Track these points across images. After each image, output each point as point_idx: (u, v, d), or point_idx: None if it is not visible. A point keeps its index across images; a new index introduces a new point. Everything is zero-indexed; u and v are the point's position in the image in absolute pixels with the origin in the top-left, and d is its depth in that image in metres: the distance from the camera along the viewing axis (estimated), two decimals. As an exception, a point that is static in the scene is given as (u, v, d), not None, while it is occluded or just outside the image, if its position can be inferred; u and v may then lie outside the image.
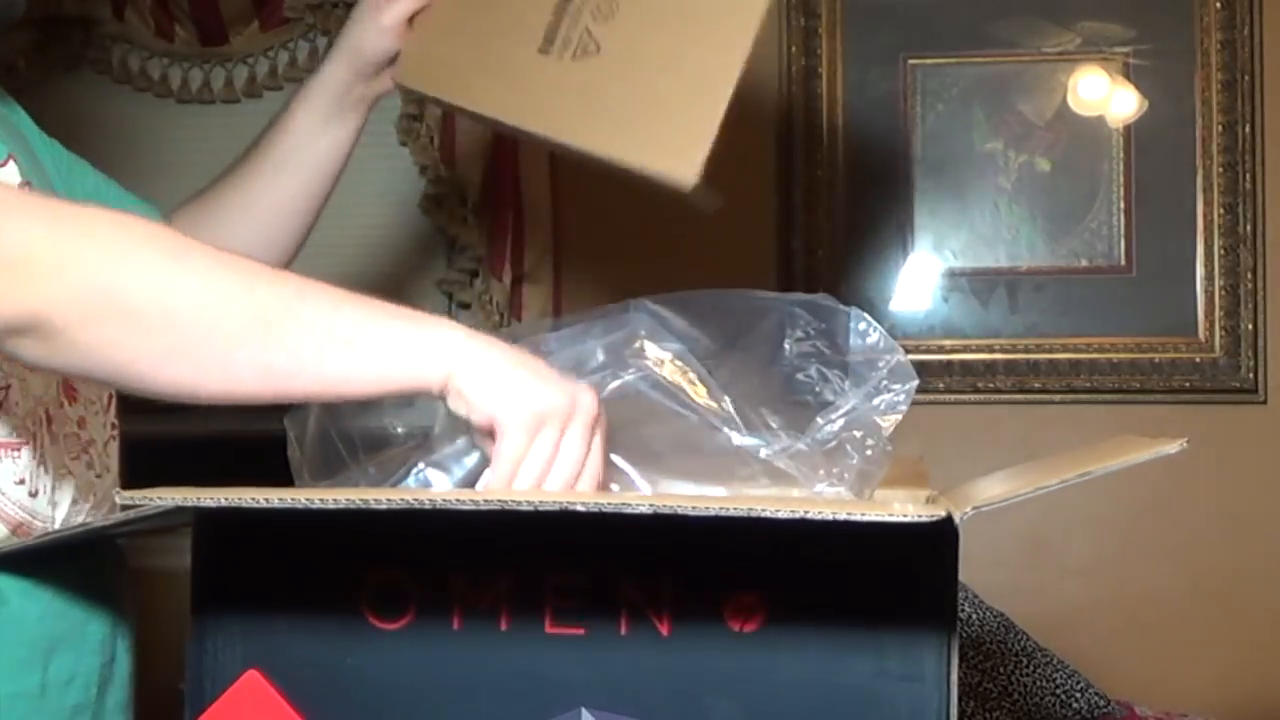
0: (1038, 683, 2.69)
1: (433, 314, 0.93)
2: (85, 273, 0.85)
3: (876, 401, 0.97)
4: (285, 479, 1.02)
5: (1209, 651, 2.96)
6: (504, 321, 3.05)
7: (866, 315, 1.01)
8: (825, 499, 0.93)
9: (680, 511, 0.69)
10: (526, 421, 0.88)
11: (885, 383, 0.97)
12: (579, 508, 0.69)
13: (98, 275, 0.85)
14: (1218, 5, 2.98)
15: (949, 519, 0.69)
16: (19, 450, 1.11)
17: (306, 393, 0.92)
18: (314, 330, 0.89)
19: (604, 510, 0.70)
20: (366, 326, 0.90)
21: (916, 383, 0.98)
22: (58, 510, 1.15)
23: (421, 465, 0.98)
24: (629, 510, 0.69)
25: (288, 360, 0.88)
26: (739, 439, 0.96)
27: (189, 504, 0.76)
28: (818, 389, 1.00)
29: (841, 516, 0.68)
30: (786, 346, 1.01)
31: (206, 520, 0.87)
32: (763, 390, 1.00)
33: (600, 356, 1.00)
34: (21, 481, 1.11)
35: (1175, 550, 2.99)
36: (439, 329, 0.91)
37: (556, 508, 0.70)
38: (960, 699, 0.75)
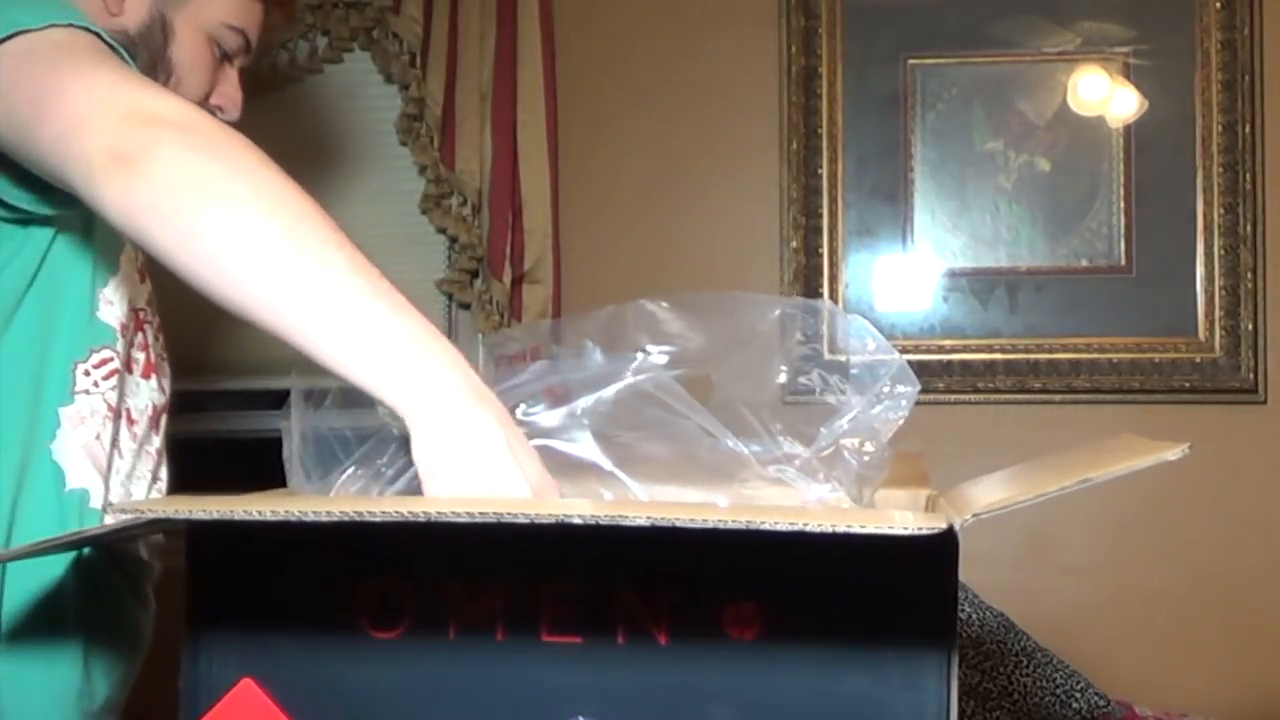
0: (1038, 683, 2.69)
1: (438, 333, 0.92)
2: (195, 137, 0.95)
3: (878, 409, 0.97)
4: (284, 479, 1.02)
5: (1209, 651, 2.96)
6: (504, 321, 3.05)
7: (867, 322, 1.00)
8: (824, 509, 0.92)
9: (678, 524, 0.68)
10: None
11: (887, 389, 0.97)
12: (575, 520, 0.69)
13: (202, 141, 0.95)
14: (1218, 5, 2.98)
15: (950, 530, 0.68)
16: (115, 422, 1.26)
17: (296, 345, 0.92)
18: (326, 293, 0.90)
19: (601, 523, 0.69)
20: (365, 321, 0.90)
21: (918, 389, 0.97)
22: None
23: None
24: (626, 523, 0.69)
25: (293, 308, 0.90)
26: (737, 444, 0.96)
27: (181, 516, 0.75)
28: (817, 392, 0.99)
29: (841, 529, 0.67)
30: (786, 350, 1.01)
31: (201, 530, 0.86)
32: (762, 393, 1.00)
33: (598, 359, 1.00)
34: (107, 446, 1.25)
35: (1175, 550, 2.99)
36: (428, 365, 0.89)
37: (552, 520, 0.69)
38: (960, 699, 0.74)
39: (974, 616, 2.75)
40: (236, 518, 0.71)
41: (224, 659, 0.86)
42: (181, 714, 0.87)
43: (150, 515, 0.75)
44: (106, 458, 1.25)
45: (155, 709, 1.41)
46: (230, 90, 1.30)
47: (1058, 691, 2.70)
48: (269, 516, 0.70)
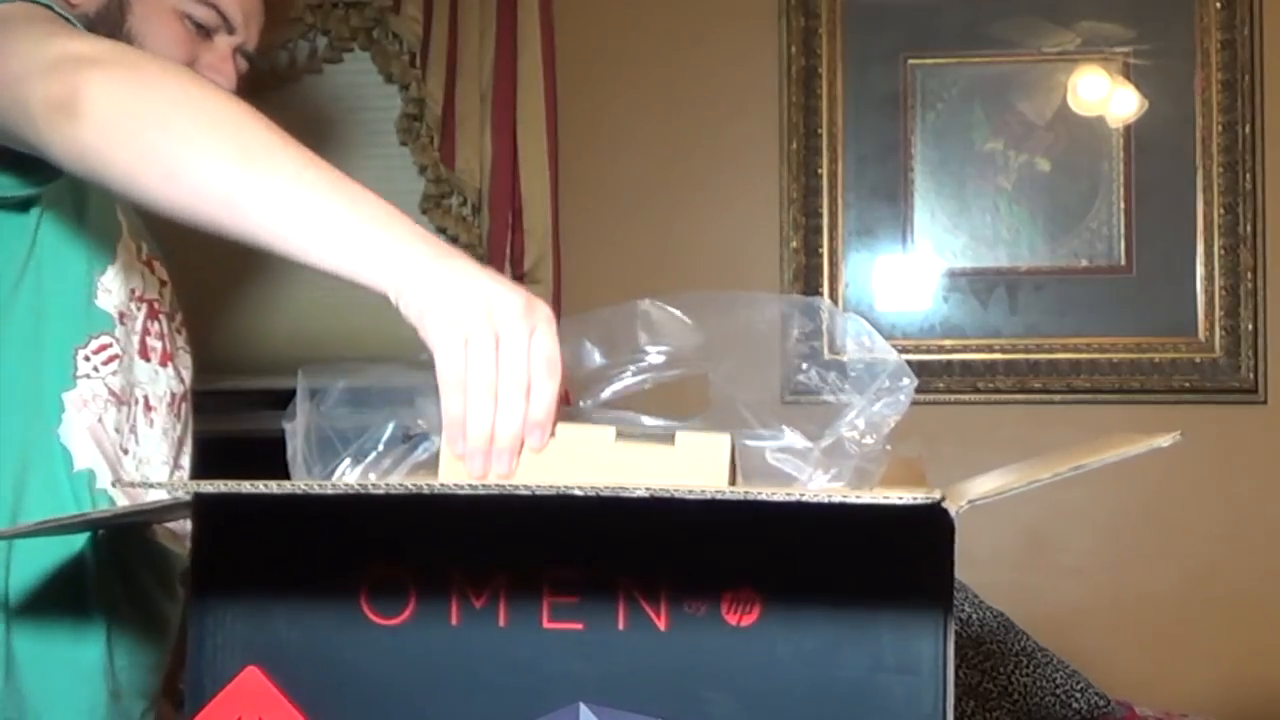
0: (1038, 683, 2.70)
1: (396, 210, 0.94)
2: (120, 70, 0.98)
3: (878, 406, 0.97)
4: (286, 479, 1.03)
5: (1209, 651, 2.96)
6: (504, 321, 3.04)
7: (864, 320, 1.01)
8: (821, 488, 0.93)
9: (677, 496, 0.69)
10: (449, 333, 0.88)
11: (886, 386, 0.97)
12: (576, 493, 0.70)
13: (128, 73, 0.98)
14: (1218, 5, 2.98)
15: (941, 503, 0.70)
16: (121, 406, 1.28)
17: (262, 243, 0.94)
18: (283, 188, 0.92)
19: (601, 495, 0.70)
20: (328, 212, 0.91)
21: (915, 384, 0.98)
22: (147, 490, 1.26)
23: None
24: (626, 495, 0.70)
25: (252, 205, 0.92)
26: (737, 438, 0.96)
27: (188, 492, 0.76)
28: (815, 389, 1.00)
29: (836, 500, 0.69)
30: (784, 349, 1.01)
31: (206, 514, 0.87)
32: (760, 392, 1.00)
33: (598, 359, 1.00)
34: (119, 430, 1.27)
35: (1175, 550, 2.99)
36: (389, 239, 0.91)
37: (554, 493, 0.70)
38: (960, 699, 0.75)
39: (974, 616, 2.76)
40: (243, 491, 0.72)
41: (229, 647, 0.86)
42: (187, 702, 0.87)
43: (156, 494, 0.76)
44: (111, 441, 1.27)
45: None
46: (215, 62, 1.30)
47: (1058, 691, 2.71)
48: (275, 490, 0.71)
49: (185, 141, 0.93)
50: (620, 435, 0.88)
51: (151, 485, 1.23)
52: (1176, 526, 2.99)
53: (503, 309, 0.88)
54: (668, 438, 0.87)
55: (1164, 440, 0.74)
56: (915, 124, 3.08)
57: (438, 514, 0.81)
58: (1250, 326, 2.97)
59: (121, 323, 1.29)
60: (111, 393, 1.27)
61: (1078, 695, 2.71)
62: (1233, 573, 2.97)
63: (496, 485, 0.70)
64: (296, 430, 1.01)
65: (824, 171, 3.08)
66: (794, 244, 3.09)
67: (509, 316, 0.88)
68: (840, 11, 3.08)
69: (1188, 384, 2.99)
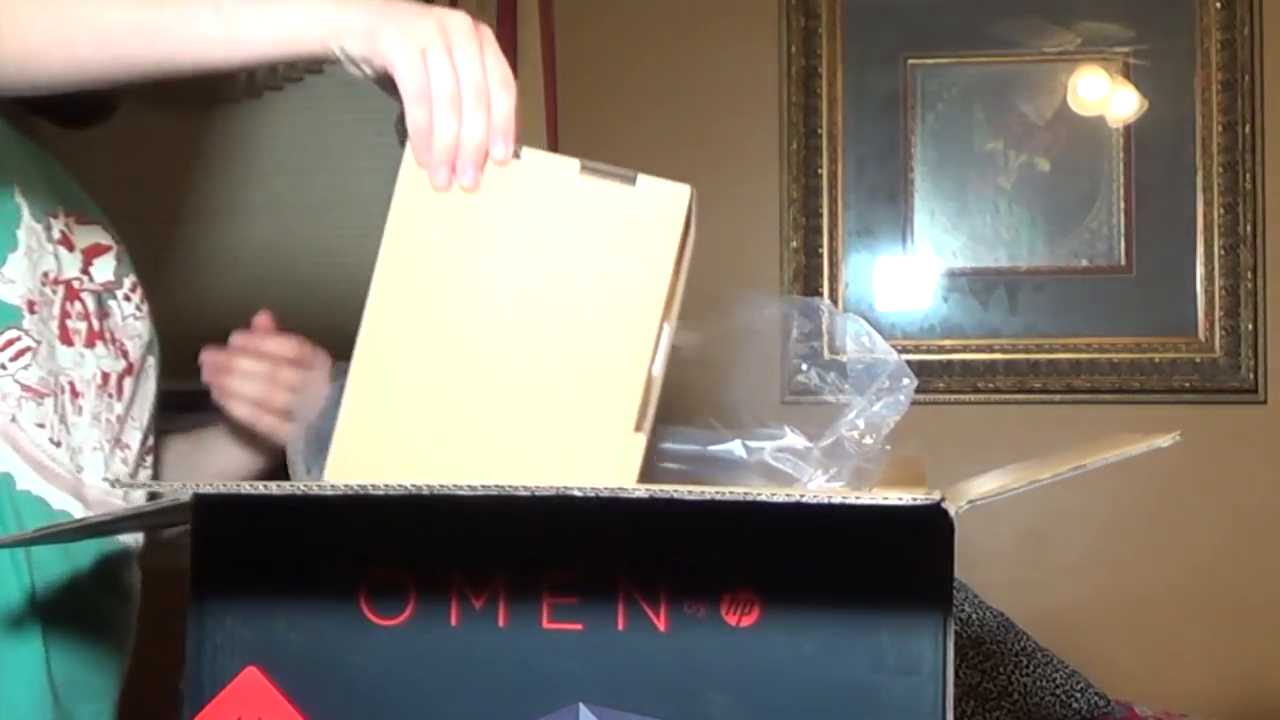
0: (1038, 683, 2.70)
1: None
2: None
3: (878, 406, 0.98)
4: (285, 479, 1.03)
5: (1209, 651, 2.96)
6: (504, 322, 3.05)
7: (863, 320, 1.01)
8: (821, 489, 0.93)
9: (676, 497, 0.69)
10: (407, 46, 0.90)
11: (885, 386, 0.98)
12: (575, 493, 0.70)
13: None
14: (1218, 5, 2.98)
15: (941, 503, 0.70)
16: (42, 399, 1.22)
17: (187, 64, 0.94)
18: (184, 6, 0.93)
19: (600, 495, 0.70)
20: (240, 6, 0.92)
21: (915, 384, 0.98)
22: (84, 474, 1.24)
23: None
24: (625, 495, 0.70)
25: (161, 25, 0.92)
26: (738, 439, 0.97)
27: (185, 492, 0.76)
28: (815, 389, 1.00)
29: (837, 501, 0.69)
30: (785, 349, 1.02)
31: (205, 515, 0.87)
32: (761, 393, 1.00)
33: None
34: (42, 425, 1.22)
35: (1175, 550, 2.99)
36: (306, 4, 0.93)
37: (553, 493, 0.70)
38: (960, 699, 0.75)
39: (974, 616, 2.76)
40: (242, 492, 0.72)
41: (228, 648, 0.86)
42: (186, 703, 0.87)
43: (155, 492, 0.76)
44: (33, 438, 1.22)
45: (155, 707, 1.42)
46: None
47: (1058, 691, 2.71)
48: (274, 491, 0.71)
49: (63, 5, 0.93)
50: (584, 170, 0.92)
51: (146, 486, 1.21)
52: (1176, 526, 2.99)
53: (452, 25, 0.91)
54: (630, 179, 0.92)
55: (1164, 440, 0.74)
56: (915, 124, 3.08)
57: (437, 514, 0.81)
58: (1250, 326, 2.98)
59: (31, 312, 1.23)
60: (26, 388, 1.22)
61: (1078, 695, 2.72)
62: (1233, 573, 2.97)
63: (495, 485, 0.70)
64: (297, 433, 1.01)
65: (824, 171, 3.08)
66: (794, 244, 3.09)
67: (459, 31, 0.91)
68: (840, 11, 3.09)
69: (1188, 384, 3.00)
